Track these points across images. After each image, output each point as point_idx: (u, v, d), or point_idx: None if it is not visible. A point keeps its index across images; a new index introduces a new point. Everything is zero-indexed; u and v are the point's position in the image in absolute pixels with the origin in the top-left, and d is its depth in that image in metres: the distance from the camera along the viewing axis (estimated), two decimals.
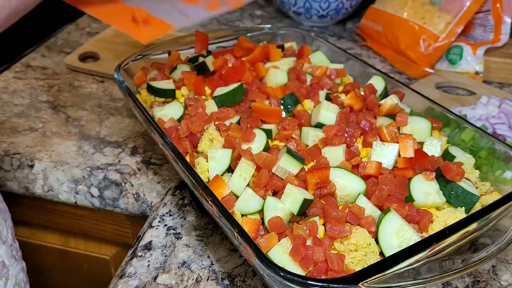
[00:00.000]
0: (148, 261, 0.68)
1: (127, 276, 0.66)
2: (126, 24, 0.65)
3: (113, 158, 0.88)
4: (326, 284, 0.46)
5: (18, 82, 1.13)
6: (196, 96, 0.79)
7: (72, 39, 1.35)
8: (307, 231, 0.54)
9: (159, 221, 0.75)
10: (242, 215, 0.59)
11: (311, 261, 0.52)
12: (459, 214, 0.59)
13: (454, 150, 0.68)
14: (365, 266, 0.53)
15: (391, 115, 0.73)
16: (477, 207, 0.61)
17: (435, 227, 0.58)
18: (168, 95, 0.80)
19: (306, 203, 0.57)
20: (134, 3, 0.67)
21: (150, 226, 0.74)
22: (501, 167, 0.66)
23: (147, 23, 0.65)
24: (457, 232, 0.53)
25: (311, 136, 0.69)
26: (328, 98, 0.77)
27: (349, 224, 0.56)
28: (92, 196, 0.86)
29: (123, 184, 0.84)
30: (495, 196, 0.62)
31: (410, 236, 0.54)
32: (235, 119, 0.72)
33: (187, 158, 0.68)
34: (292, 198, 0.57)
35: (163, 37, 0.77)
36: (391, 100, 0.73)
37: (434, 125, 0.71)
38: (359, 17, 1.41)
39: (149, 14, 0.64)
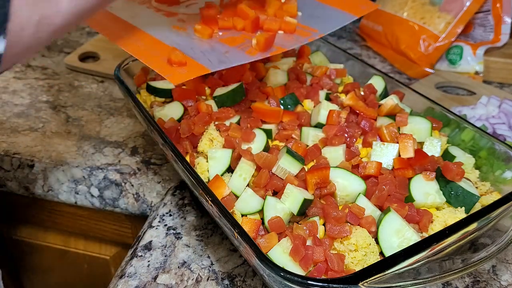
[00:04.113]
0: (148, 261, 0.68)
1: (127, 276, 0.66)
2: (160, 64, 0.63)
3: (113, 158, 0.88)
4: (326, 284, 0.46)
5: (18, 82, 1.13)
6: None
7: (72, 39, 1.35)
8: (307, 231, 0.54)
9: (159, 221, 0.75)
10: (242, 215, 0.59)
11: (311, 261, 0.52)
12: (459, 214, 0.59)
13: (454, 150, 0.68)
14: (365, 266, 0.53)
15: (391, 115, 0.73)
16: (477, 207, 0.61)
17: (435, 227, 0.58)
18: (168, 95, 0.80)
19: (306, 203, 0.57)
20: (170, 42, 0.65)
21: (150, 226, 0.74)
22: (501, 167, 0.66)
23: (182, 65, 0.63)
24: (457, 232, 0.52)
25: (311, 136, 0.69)
26: (328, 98, 0.77)
27: (349, 224, 0.56)
28: (92, 196, 0.86)
29: (123, 184, 0.84)
30: (495, 196, 0.62)
31: (410, 236, 0.54)
32: (235, 119, 0.72)
33: (187, 158, 0.68)
34: (292, 198, 0.57)
35: None
36: (392, 101, 0.73)
37: (434, 125, 0.71)
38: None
39: (185, 55, 0.63)
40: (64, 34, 0.49)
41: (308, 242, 0.54)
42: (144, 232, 0.73)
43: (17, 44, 0.42)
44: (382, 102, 0.75)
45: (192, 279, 0.65)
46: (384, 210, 0.58)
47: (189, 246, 0.70)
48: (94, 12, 0.51)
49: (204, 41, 0.68)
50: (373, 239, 0.55)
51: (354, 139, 0.68)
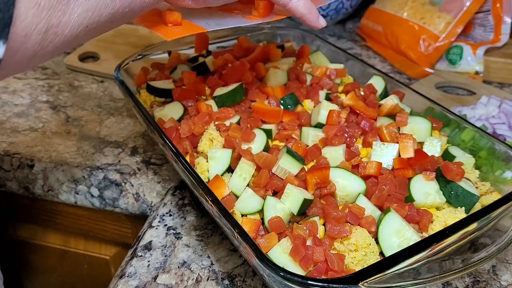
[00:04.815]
0: (148, 261, 0.68)
1: (127, 276, 0.66)
2: (155, 23, 0.62)
3: (113, 158, 0.88)
4: (326, 284, 0.46)
5: (18, 82, 1.13)
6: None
7: None
8: (307, 231, 0.54)
9: (159, 221, 0.75)
10: (242, 215, 0.59)
11: (311, 261, 0.52)
12: (459, 214, 0.59)
13: (454, 150, 0.68)
14: (365, 266, 0.53)
15: (391, 115, 0.73)
16: (477, 207, 0.61)
17: (435, 227, 0.58)
18: (168, 95, 0.80)
19: (306, 203, 0.57)
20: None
21: (150, 226, 0.74)
22: (501, 167, 0.66)
23: (178, 25, 0.62)
24: (457, 232, 0.53)
25: (311, 136, 0.69)
26: (328, 98, 0.77)
27: (349, 224, 0.56)
28: (92, 196, 0.86)
29: (123, 184, 0.84)
30: (495, 196, 0.62)
31: (410, 236, 0.54)
32: (235, 119, 0.72)
33: (187, 158, 0.68)
34: (292, 198, 0.57)
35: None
36: (392, 101, 0.73)
37: (434, 125, 0.71)
38: (359, 17, 1.40)
39: (181, 17, 0.63)
40: (70, 48, 0.46)
41: (308, 242, 0.54)
42: (144, 232, 0.73)
43: (20, 51, 0.39)
44: (382, 102, 0.75)
45: (192, 279, 0.65)
46: (384, 210, 0.58)
47: (189, 246, 0.70)
48: (103, 31, 0.48)
49: (203, 11, 0.68)
50: (373, 239, 0.55)
51: (354, 139, 0.68)
